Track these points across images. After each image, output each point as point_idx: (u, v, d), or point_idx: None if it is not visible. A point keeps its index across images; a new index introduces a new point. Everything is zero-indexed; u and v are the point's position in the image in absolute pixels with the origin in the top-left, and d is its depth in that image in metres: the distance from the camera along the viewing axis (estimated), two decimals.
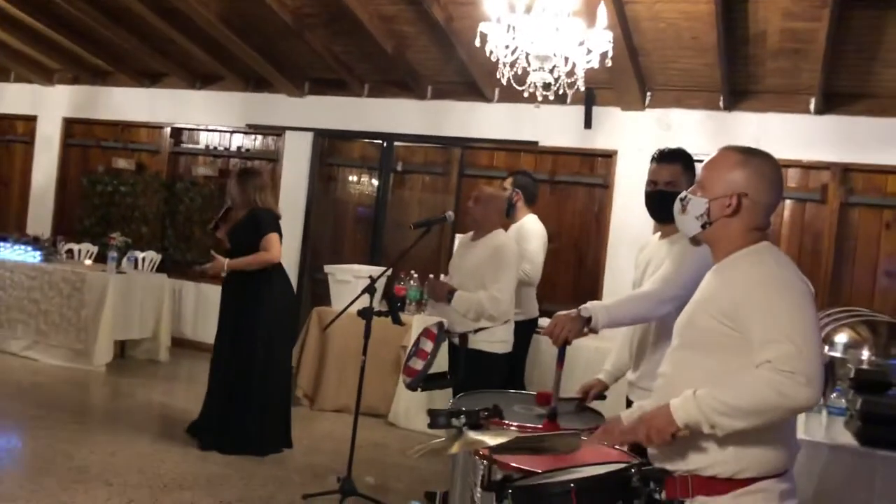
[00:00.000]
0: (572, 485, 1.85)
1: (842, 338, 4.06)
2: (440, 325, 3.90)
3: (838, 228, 5.93)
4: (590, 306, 2.69)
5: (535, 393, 3.32)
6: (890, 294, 5.84)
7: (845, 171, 5.93)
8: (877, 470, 3.12)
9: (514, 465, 2.21)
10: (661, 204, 2.94)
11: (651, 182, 2.99)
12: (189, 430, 5.01)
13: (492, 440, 2.02)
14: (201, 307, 8.06)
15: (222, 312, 4.98)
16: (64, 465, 4.38)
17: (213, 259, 4.92)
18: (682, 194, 2.08)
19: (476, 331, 4.04)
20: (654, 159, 3.01)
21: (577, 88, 4.81)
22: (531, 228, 5.10)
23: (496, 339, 4.10)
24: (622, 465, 1.94)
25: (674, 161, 2.96)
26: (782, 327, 1.78)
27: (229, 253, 4.99)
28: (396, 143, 7.52)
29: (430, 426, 2.38)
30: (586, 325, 2.66)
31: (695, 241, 2.08)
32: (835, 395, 3.56)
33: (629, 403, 2.97)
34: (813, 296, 1.88)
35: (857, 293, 5.83)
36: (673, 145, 3.10)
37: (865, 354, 3.94)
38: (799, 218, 6.07)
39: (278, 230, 4.95)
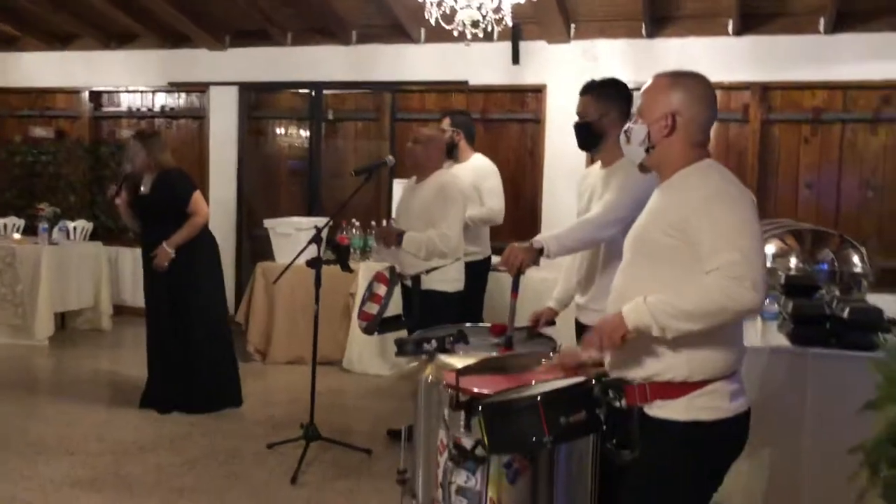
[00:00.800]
0: (539, 398, 1.95)
1: (770, 248, 4.29)
2: (392, 269, 3.99)
3: (761, 146, 6.17)
4: (541, 237, 2.84)
5: (489, 325, 3.45)
6: (811, 204, 6.14)
7: (765, 90, 6.14)
8: (808, 366, 3.36)
9: (477, 389, 2.32)
10: (578, 134, 3.08)
11: (576, 114, 3.11)
12: (143, 404, 4.93)
13: (460, 363, 2.13)
14: (139, 272, 7.80)
15: (153, 277, 4.90)
16: (21, 440, 4.34)
17: (158, 253, 4.79)
18: (626, 126, 2.18)
19: (428, 271, 4.12)
20: None
21: (504, 24, 4.85)
22: (486, 166, 5.12)
23: (448, 279, 4.18)
24: (583, 378, 2.06)
25: (585, 93, 3.08)
26: (729, 237, 1.89)
27: (142, 218, 4.92)
28: (325, 92, 7.43)
29: (398, 354, 2.48)
30: (539, 255, 2.79)
31: (643, 167, 2.18)
32: (768, 301, 3.78)
33: (578, 325, 3.11)
34: (755, 206, 2.01)
35: (781, 206, 6.11)
36: (598, 76, 3.20)
37: (793, 262, 4.18)
38: (723, 138, 6.28)
39: (196, 186, 4.95)
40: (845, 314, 3.32)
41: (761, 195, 6.15)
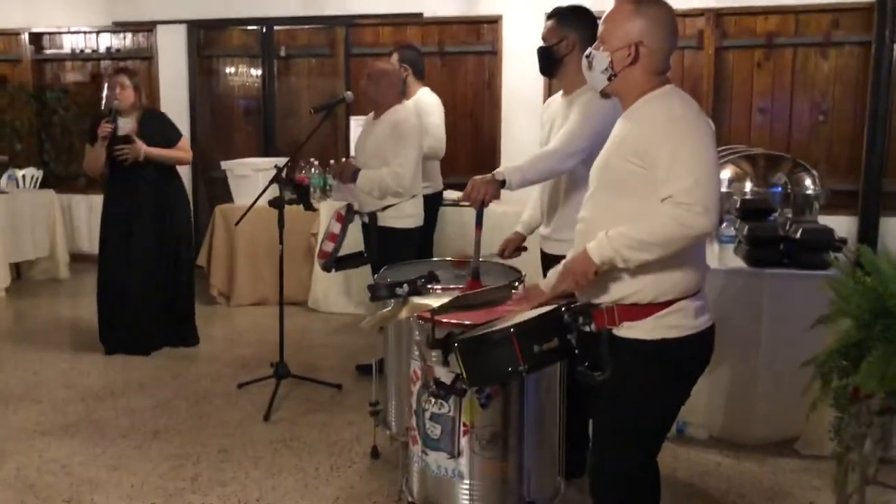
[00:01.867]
0: (512, 329, 2.01)
1: (726, 173, 4.39)
2: (349, 206, 3.98)
3: (715, 72, 6.22)
4: (502, 169, 2.85)
5: (451, 259, 3.49)
6: (764, 129, 6.24)
7: (718, 16, 6.17)
8: (764, 286, 3.50)
9: (454, 322, 2.38)
10: (539, 59, 3.08)
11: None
12: (117, 349, 4.92)
13: (434, 303, 2.17)
14: (95, 220, 7.71)
15: (131, 216, 4.81)
16: None
17: (133, 142, 4.68)
18: (588, 51, 2.18)
19: (384, 208, 4.12)
20: None
21: None
22: (428, 101, 5.09)
23: (405, 215, 4.19)
24: (553, 307, 2.11)
25: (549, 18, 3.07)
26: (684, 163, 1.94)
27: (117, 160, 4.75)
28: (276, 28, 7.25)
29: (372, 299, 2.51)
30: (501, 187, 2.82)
31: (604, 94, 2.20)
32: (724, 225, 3.88)
33: (544, 256, 3.16)
34: (713, 133, 2.05)
35: (735, 131, 6.20)
36: (554, 5, 3.18)
37: (748, 186, 4.28)
38: (678, 65, 6.31)
39: None
40: (798, 235, 3.44)
41: (716, 121, 6.09)
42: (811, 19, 6.06)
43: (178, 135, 4.96)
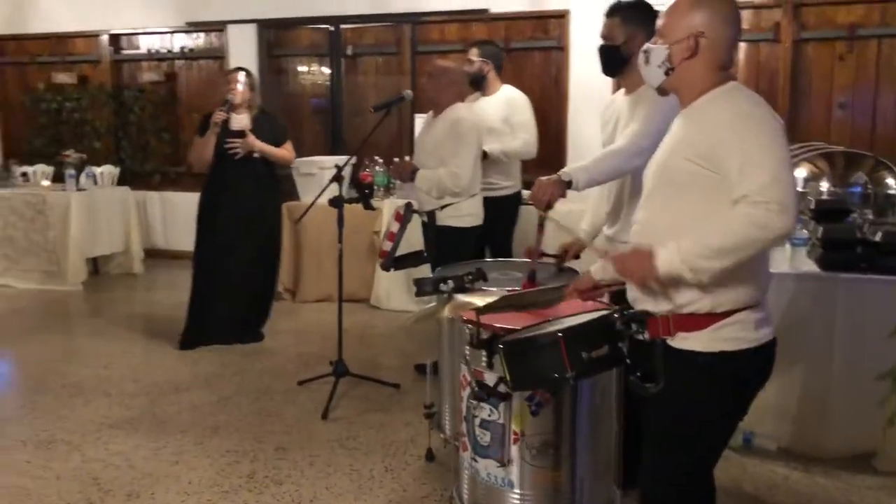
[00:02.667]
0: (560, 334, 1.92)
1: (801, 172, 4.19)
2: (408, 205, 3.96)
3: (792, 66, 5.97)
4: (568, 170, 2.78)
5: (510, 260, 3.44)
6: (845, 125, 5.95)
7: (796, 7, 5.91)
8: (838, 293, 3.31)
9: (498, 325, 2.32)
10: (602, 58, 2.98)
11: (600, 37, 3.00)
12: (199, 342, 5.00)
13: (480, 301, 2.11)
14: (169, 215, 8.02)
15: (235, 211, 4.91)
16: (58, 382, 4.46)
17: (246, 137, 4.84)
18: (645, 46, 2.08)
19: (442, 207, 4.08)
20: None
21: None
22: (517, 99, 4.94)
23: (463, 214, 4.15)
24: (605, 312, 2.03)
25: (611, 14, 2.96)
26: (757, 161, 1.81)
27: (225, 155, 4.87)
28: (343, 27, 7.31)
29: (417, 294, 2.48)
30: (567, 188, 2.75)
31: (661, 90, 2.10)
32: (797, 226, 3.70)
33: None
34: (784, 130, 1.91)
35: (814, 128, 5.93)
36: None
37: (824, 186, 4.08)
38: (753, 59, 6.08)
39: None
40: (878, 238, 3.25)
41: (793, 117, 5.98)
42: None
43: (286, 136, 5.10)
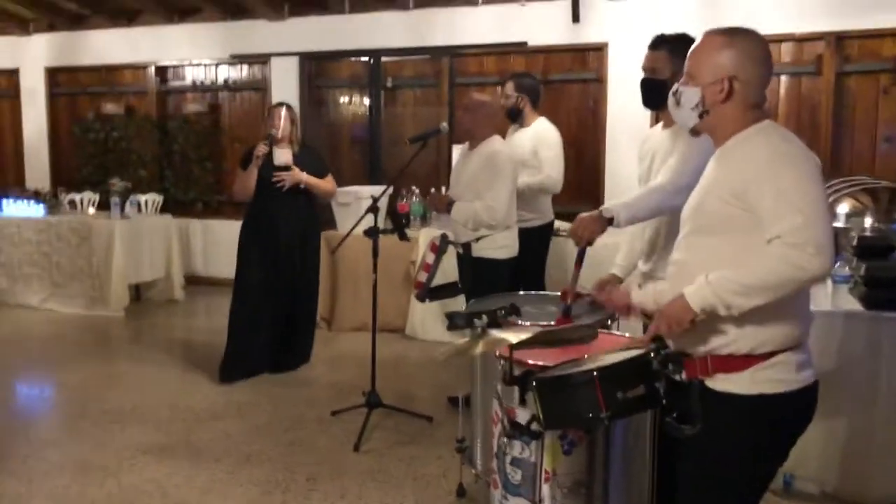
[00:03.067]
0: (595, 373, 1.90)
1: (843, 208, 4.11)
2: (443, 236, 3.97)
3: (835, 98, 5.88)
4: (610, 206, 2.76)
5: (544, 293, 3.41)
6: (890, 159, 5.84)
7: (839, 40, 5.84)
8: (883, 332, 3.22)
9: (531, 361, 2.29)
10: (645, 91, 2.96)
11: (642, 69, 2.99)
12: (244, 374, 5.00)
13: (513, 337, 2.09)
14: (210, 243, 8.15)
15: (276, 243, 4.97)
16: (97, 407, 4.52)
17: (292, 169, 4.94)
18: (674, 88, 2.06)
19: (477, 239, 4.08)
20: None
21: None
22: (547, 133, 4.90)
23: (498, 246, 4.14)
24: (641, 351, 1.99)
25: (656, 47, 2.93)
26: (791, 201, 1.79)
27: (267, 187, 4.92)
28: (384, 59, 7.41)
29: (449, 328, 2.46)
30: (608, 225, 2.72)
31: (694, 132, 2.08)
32: (838, 264, 3.62)
33: None
34: (820, 168, 1.88)
35: (857, 162, 5.83)
36: (666, 31, 3.06)
37: (868, 222, 3.99)
38: (795, 92, 6.01)
39: None
40: None
41: (836, 151, 5.89)
42: None
43: (327, 170, 5.20)
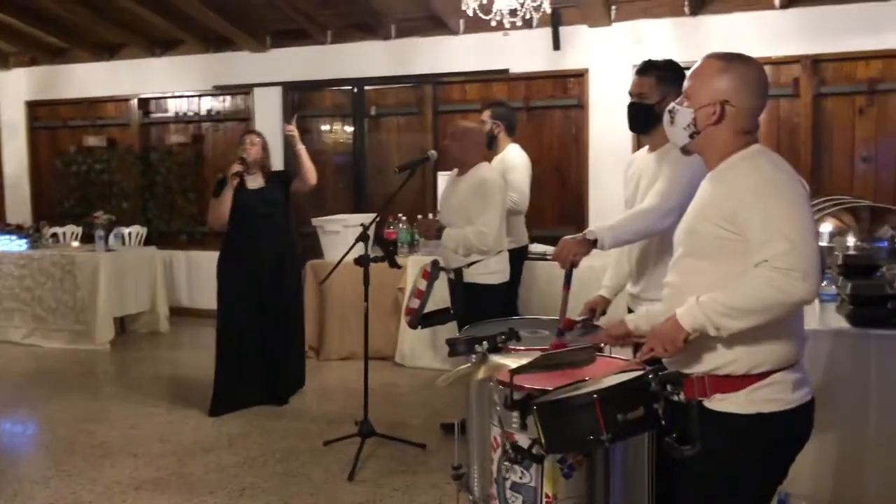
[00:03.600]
0: (595, 395, 1.92)
1: (826, 227, 4.17)
2: (434, 263, 3.98)
3: (813, 120, 6.00)
4: (595, 229, 2.78)
5: (535, 317, 3.42)
6: (868, 178, 5.95)
7: (815, 63, 5.97)
8: (871, 349, 3.26)
9: (530, 385, 2.31)
10: (631, 116, 3.00)
11: (629, 94, 3.04)
12: (230, 407, 4.95)
13: (514, 362, 2.11)
14: (194, 274, 8.11)
15: (256, 269, 4.92)
16: (86, 442, 4.47)
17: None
18: (670, 106, 2.11)
19: (469, 265, 4.10)
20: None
21: (543, 11, 4.79)
22: (514, 159, 5.08)
23: (490, 271, 4.16)
24: (640, 373, 2.02)
25: (644, 73, 2.98)
26: (778, 227, 1.83)
27: (242, 215, 4.91)
28: (367, 88, 7.46)
29: (450, 354, 2.47)
30: (592, 248, 2.75)
31: (685, 150, 2.13)
32: (825, 283, 3.67)
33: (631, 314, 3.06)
34: (807, 194, 1.93)
35: (836, 181, 5.93)
36: (643, 58, 3.13)
37: (851, 240, 4.05)
38: (774, 115, 6.12)
39: None
40: None
41: (815, 171, 5.99)
42: None
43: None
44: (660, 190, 2.81)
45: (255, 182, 4.99)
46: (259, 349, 4.99)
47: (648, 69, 2.97)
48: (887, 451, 3.21)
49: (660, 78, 2.92)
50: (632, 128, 3.07)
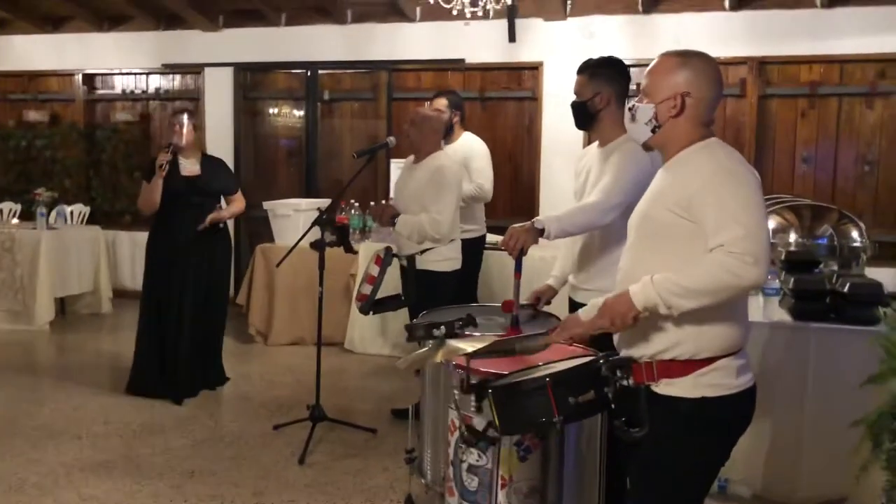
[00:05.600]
0: (548, 379, 1.98)
1: (770, 224, 4.31)
2: (388, 249, 4.01)
3: (758, 120, 6.19)
4: (542, 218, 2.86)
5: (492, 304, 3.47)
6: (808, 179, 6.17)
7: (761, 65, 6.15)
8: (810, 342, 3.42)
9: (486, 370, 2.36)
10: (574, 113, 3.09)
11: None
12: (138, 390, 4.87)
13: (470, 347, 2.15)
14: (138, 256, 7.89)
15: (184, 263, 4.78)
16: (28, 424, 4.37)
17: (212, 217, 4.79)
18: (630, 104, 2.18)
19: (422, 252, 4.13)
20: None
21: (502, 2, 4.83)
22: (474, 146, 5.16)
23: (443, 258, 4.19)
24: (591, 358, 2.08)
25: (581, 72, 3.08)
26: (732, 214, 1.92)
27: (174, 199, 4.75)
28: (320, 72, 7.41)
29: (409, 339, 2.51)
30: (539, 236, 2.82)
31: (647, 146, 2.20)
32: (769, 277, 3.81)
33: (572, 303, 3.14)
34: (759, 184, 2.03)
35: (779, 180, 6.14)
36: (595, 53, 3.21)
37: (793, 237, 4.22)
38: (720, 113, 6.28)
39: None
40: (845, 289, 3.36)
41: (759, 169, 6.03)
42: (856, 69, 6.02)
43: (236, 185, 5.08)
44: (604, 187, 2.91)
45: (189, 168, 4.81)
46: (182, 337, 4.81)
47: (583, 68, 3.08)
48: (821, 438, 3.37)
49: (592, 75, 3.02)
50: (576, 125, 3.15)
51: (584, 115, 3.06)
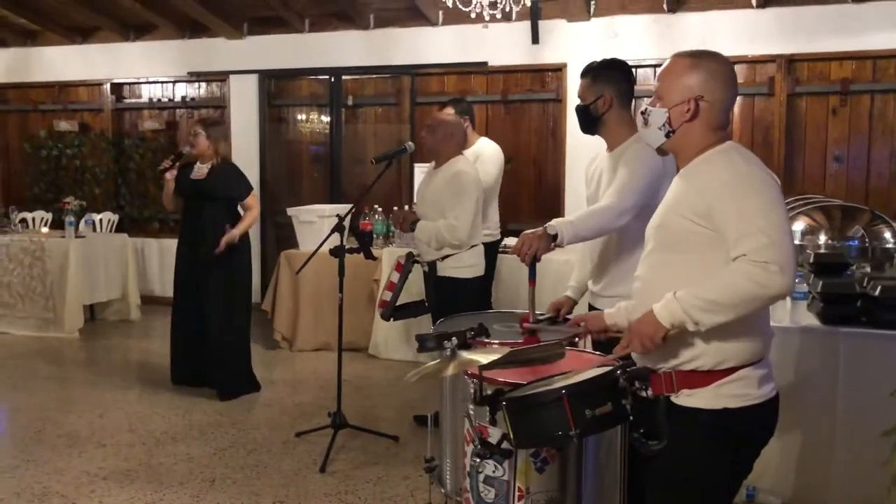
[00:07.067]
0: (564, 391, 1.92)
1: (798, 225, 4.22)
2: (409, 255, 3.98)
3: (787, 119, 6.06)
4: (555, 223, 2.78)
5: (509, 311, 3.43)
6: (840, 178, 6.02)
7: (790, 62, 6.02)
8: (840, 346, 3.31)
9: (502, 379, 2.31)
10: (579, 118, 3.03)
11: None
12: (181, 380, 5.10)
13: (483, 358, 2.11)
14: (166, 263, 8.00)
15: (205, 268, 4.90)
16: (54, 432, 4.41)
17: (224, 240, 4.87)
18: (643, 107, 2.11)
19: (443, 258, 4.10)
20: None
21: (523, 4, 4.79)
22: (488, 148, 5.15)
23: (464, 265, 4.14)
24: (608, 369, 2.02)
25: (583, 75, 3.02)
26: (755, 221, 1.84)
27: (188, 202, 4.99)
28: (344, 77, 7.42)
29: (420, 350, 2.46)
30: (553, 242, 2.76)
31: (661, 151, 2.13)
32: (797, 280, 3.71)
33: (592, 311, 3.06)
34: (780, 189, 1.95)
35: (809, 180, 6.01)
36: (620, 54, 3.15)
37: (822, 239, 4.11)
38: (748, 112, 6.18)
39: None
40: (877, 292, 3.26)
41: (788, 170, 6.06)
42: (889, 65, 5.87)
43: (248, 190, 5.08)
44: (616, 189, 2.84)
45: (198, 171, 4.98)
46: (201, 338, 4.99)
47: (585, 71, 3.02)
48: (852, 446, 3.26)
49: (594, 78, 2.96)
50: (581, 128, 3.09)
51: (589, 119, 2.99)
